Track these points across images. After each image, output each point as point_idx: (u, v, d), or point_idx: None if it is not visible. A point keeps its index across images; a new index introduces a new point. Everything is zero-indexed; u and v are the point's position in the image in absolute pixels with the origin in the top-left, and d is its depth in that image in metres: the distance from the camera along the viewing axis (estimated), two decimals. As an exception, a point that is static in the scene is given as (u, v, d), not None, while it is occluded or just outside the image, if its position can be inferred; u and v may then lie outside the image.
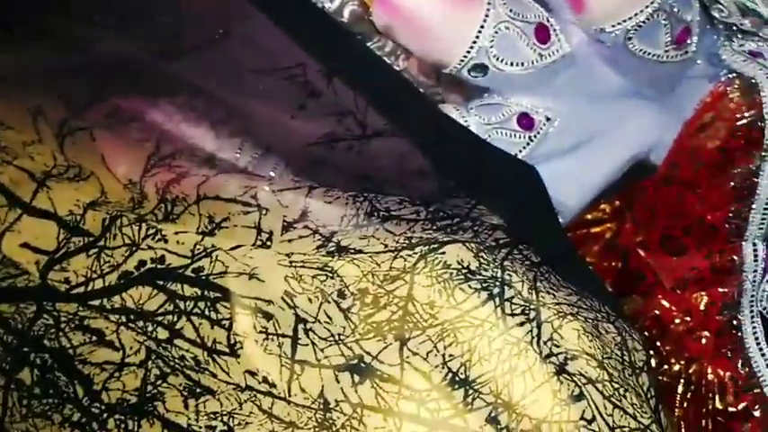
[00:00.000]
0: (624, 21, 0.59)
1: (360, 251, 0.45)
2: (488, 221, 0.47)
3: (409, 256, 0.44)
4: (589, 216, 0.77)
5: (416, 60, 0.70)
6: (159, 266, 0.47)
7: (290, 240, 0.47)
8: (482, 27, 0.62)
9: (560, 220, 0.66)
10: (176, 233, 0.48)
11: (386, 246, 0.45)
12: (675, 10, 0.60)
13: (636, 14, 0.59)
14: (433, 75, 0.71)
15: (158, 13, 0.54)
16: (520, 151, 0.66)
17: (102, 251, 0.49)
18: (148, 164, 0.52)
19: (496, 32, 0.62)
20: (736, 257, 0.67)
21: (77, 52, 0.57)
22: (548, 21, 0.64)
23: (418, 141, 0.51)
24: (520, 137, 0.66)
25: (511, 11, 0.63)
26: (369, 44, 0.71)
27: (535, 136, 0.66)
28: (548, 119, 0.66)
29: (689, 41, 0.63)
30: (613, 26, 0.60)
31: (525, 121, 0.66)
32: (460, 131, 0.54)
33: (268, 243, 0.47)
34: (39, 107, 0.54)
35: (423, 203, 0.48)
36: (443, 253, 0.43)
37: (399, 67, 0.74)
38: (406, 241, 0.45)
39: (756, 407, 0.65)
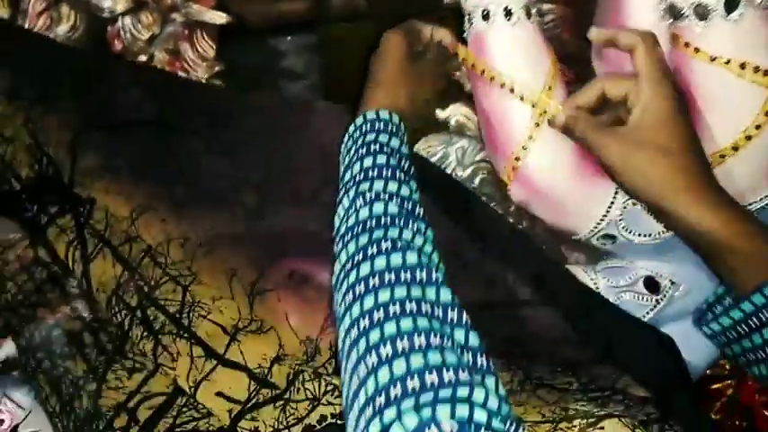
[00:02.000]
0: (751, 204, 0.64)
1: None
2: (636, 394, 0.51)
3: (569, 428, 0.48)
4: (709, 372, 0.78)
5: (542, 221, 0.77)
6: (339, 422, 0.53)
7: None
8: (612, 202, 0.68)
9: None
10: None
11: (543, 416, 0.50)
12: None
13: (761, 199, 0.64)
14: (558, 234, 0.78)
15: (327, 193, 0.64)
16: (647, 313, 0.71)
17: (287, 404, 0.56)
18: (325, 323, 0.60)
19: (625, 207, 0.68)
20: None
21: (257, 220, 0.67)
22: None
23: (565, 312, 0.57)
24: (647, 300, 0.71)
25: (639, 188, 0.69)
26: (494, 204, 0.79)
27: (662, 299, 0.71)
28: (672, 283, 0.71)
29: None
30: (756, 200, 0.65)
31: (651, 284, 0.71)
32: (604, 304, 0.59)
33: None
34: (234, 269, 0.63)
35: (573, 373, 0.52)
36: (602, 428, 0.47)
37: (523, 226, 0.81)
38: (563, 412, 0.49)
39: None
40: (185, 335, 0.61)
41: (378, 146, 0.54)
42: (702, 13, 0.57)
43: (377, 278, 0.44)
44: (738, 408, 0.77)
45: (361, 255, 0.47)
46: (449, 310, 0.44)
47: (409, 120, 0.63)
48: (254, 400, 0.57)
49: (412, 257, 0.45)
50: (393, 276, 0.44)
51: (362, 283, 0.45)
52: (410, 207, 0.51)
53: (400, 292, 0.43)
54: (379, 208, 0.50)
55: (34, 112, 0.71)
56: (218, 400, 0.57)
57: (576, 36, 0.76)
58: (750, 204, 0.65)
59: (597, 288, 0.71)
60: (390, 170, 0.53)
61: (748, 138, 0.60)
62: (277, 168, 0.67)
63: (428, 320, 0.42)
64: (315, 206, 0.66)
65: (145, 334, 0.62)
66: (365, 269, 0.46)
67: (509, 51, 0.66)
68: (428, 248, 0.49)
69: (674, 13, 0.59)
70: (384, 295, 0.43)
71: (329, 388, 0.55)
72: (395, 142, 0.56)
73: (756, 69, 0.58)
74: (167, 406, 0.58)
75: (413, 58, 0.65)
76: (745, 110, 0.59)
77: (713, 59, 0.58)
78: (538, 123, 0.66)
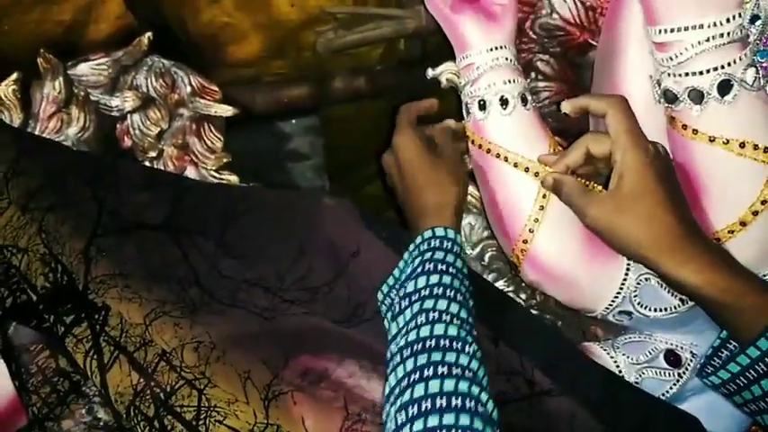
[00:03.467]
0: (764, 275, 0.64)
1: None
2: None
3: None
4: (744, 440, 0.76)
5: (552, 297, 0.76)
6: None
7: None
8: (624, 279, 0.68)
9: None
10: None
11: None
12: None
13: (774, 271, 0.64)
14: (572, 310, 0.77)
15: (339, 288, 0.64)
16: (671, 388, 0.69)
17: None
18: (343, 427, 0.59)
19: (638, 283, 0.68)
20: None
21: (269, 320, 0.67)
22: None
23: (585, 401, 0.56)
24: (669, 375, 0.70)
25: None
26: (502, 281, 0.79)
27: (684, 372, 0.69)
28: (693, 355, 0.70)
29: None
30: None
31: (673, 358, 0.70)
32: (625, 388, 0.58)
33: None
34: (248, 372, 0.63)
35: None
36: None
37: (536, 301, 0.80)
38: None
39: None
40: (203, 442, 0.61)
41: (445, 266, 0.57)
42: (697, 98, 0.58)
43: (429, 402, 0.45)
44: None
45: (417, 374, 0.48)
46: None
47: (462, 207, 0.65)
48: None
49: (463, 385, 0.47)
50: (444, 402, 0.45)
51: (416, 405, 0.46)
52: (468, 329, 0.52)
53: (448, 419, 0.44)
54: (439, 329, 0.52)
55: (47, 222, 0.73)
56: None
57: (574, 112, 0.77)
58: (765, 275, 0.64)
59: (617, 366, 0.70)
60: (454, 291, 0.55)
61: (755, 213, 0.60)
62: (288, 266, 0.68)
63: None
64: (328, 301, 0.66)
65: (163, 444, 0.61)
66: (419, 391, 0.47)
67: (509, 136, 0.67)
68: (481, 373, 0.50)
69: (670, 98, 0.60)
70: (433, 420, 0.44)
71: (350, 496, 0.54)
72: (459, 263, 0.59)
73: (756, 147, 0.58)
74: None
75: (433, 150, 0.67)
76: (749, 186, 0.59)
77: (712, 140, 0.59)
78: (542, 206, 0.67)
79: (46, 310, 0.68)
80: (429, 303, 0.54)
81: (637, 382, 0.69)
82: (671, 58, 0.58)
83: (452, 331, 0.52)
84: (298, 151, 1.23)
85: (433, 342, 0.51)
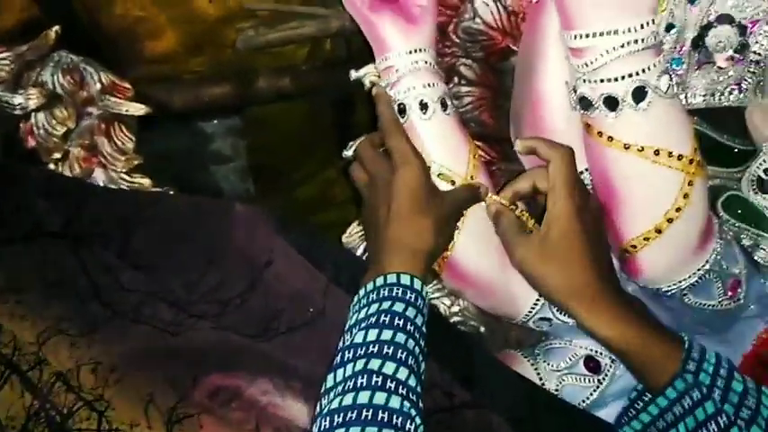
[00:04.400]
0: (678, 282, 0.65)
1: None
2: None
3: None
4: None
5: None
6: None
7: None
8: (545, 287, 0.67)
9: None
10: None
11: None
12: (724, 266, 0.66)
13: (689, 276, 0.64)
14: (495, 316, 0.76)
15: (252, 300, 0.60)
16: (591, 394, 0.69)
17: None
18: (252, 450, 0.56)
19: (558, 291, 0.67)
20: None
21: (176, 336, 0.63)
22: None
23: (505, 412, 0.54)
24: (590, 381, 0.70)
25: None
26: (430, 286, 0.78)
27: (603, 378, 0.70)
28: (613, 360, 0.70)
29: (739, 290, 0.68)
30: (669, 287, 0.65)
31: (592, 364, 0.70)
32: (545, 398, 0.58)
33: None
34: (150, 394, 0.59)
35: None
36: None
37: (460, 306, 0.79)
38: None
39: None
40: (102, 471, 0.56)
41: (402, 321, 0.51)
42: (612, 105, 0.58)
43: None
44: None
45: None
46: None
47: (435, 260, 0.61)
48: None
49: None
50: None
51: None
52: (414, 400, 0.47)
53: None
54: (380, 398, 0.46)
55: (-69, 231, 0.66)
56: None
57: (495, 116, 0.77)
58: (680, 282, 0.65)
59: (538, 373, 0.70)
60: (406, 354, 0.50)
61: (669, 220, 0.60)
62: (196, 277, 0.64)
63: None
64: (240, 314, 0.62)
65: (60, 471, 0.56)
66: None
67: (428, 142, 0.66)
68: None
69: (585, 105, 0.60)
70: None
71: None
72: (419, 320, 0.53)
73: (670, 154, 0.58)
74: None
75: (434, 192, 0.62)
76: (664, 193, 0.60)
77: (627, 147, 0.58)
78: (462, 214, 0.65)
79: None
80: (375, 363, 0.49)
81: (557, 389, 0.69)
82: (586, 65, 0.57)
83: (394, 403, 0.47)
84: (220, 153, 1.18)
85: (370, 413, 0.46)
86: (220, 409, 0.59)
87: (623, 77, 0.56)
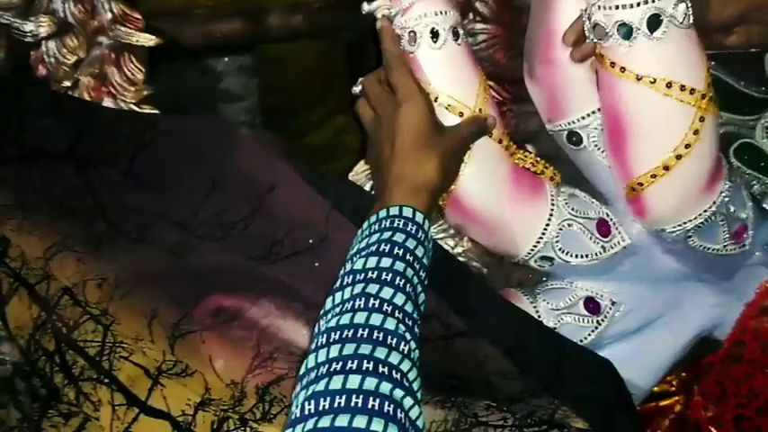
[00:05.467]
0: (684, 223, 0.64)
1: (452, 458, 0.47)
2: (575, 426, 0.50)
3: (503, 469, 0.46)
4: (656, 389, 0.78)
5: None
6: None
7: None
8: (547, 225, 0.67)
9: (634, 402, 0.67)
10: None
11: (477, 455, 0.48)
12: (731, 210, 0.65)
13: (695, 217, 0.64)
14: (497, 256, 0.76)
15: (256, 224, 0.61)
16: (589, 335, 0.70)
17: (212, 455, 0.52)
18: (252, 365, 0.57)
19: (561, 229, 0.67)
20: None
21: (180, 257, 0.63)
22: (607, 216, 0.69)
23: (499, 343, 0.55)
24: (588, 321, 0.70)
25: (573, 209, 0.69)
26: (435, 226, 0.78)
27: (602, 320, 0.70)
28: (613, 303, 0.70)
29: (745, 236, 0.67)
30: (674, 228, 0.64)
31: (592, 305, 0.70)
32: (539, 332, 0.58)
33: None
34: (154, 311, 0.60)
35: (508, 407, 0.50)
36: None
37: (464, 248, 0.79)
38: (497, 451, 0.47)
39: None
40: (106, 380, 0.58)
41: (402, 251, 0.51)
42: (626, 33, 0.57)
43: (343, 398, 0.41)
44: (687, 424, 0.77)
45: (339, 364, 0.43)
46: None
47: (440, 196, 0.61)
48: (176, 452, 0.53)
49: (385, 387, 0.42)
50: (360, 401, 0.41)
51: (328, 398, 0.41)
52: (409, 325, 0.47)
53: (359, 421, 0.40)
54: (376, 319, 0.46)
55: (-60, 146, 0.67)
56: (142, 452, 0.54)
57: (510, 56, 0.75)
58: (685, 223, 0.65)
59: (537, 312, 0.70)
60: (404, 281, 0.50)
61: (678, 157, 0.59)
62: (201, 199, 0.64)
63: None
64: (243, 238, 0.63)
65: (66, 381, 0.58)
66: (336, 383, 0.42)
67: (438, 72, 0.65)
68: (411, 376, 0.45)
69: (599, 33, 0.59)
70: (342, 419, 0.40)
71: (255, 435, 0.52)
72: (420, 251, 0.53)
73: (683, 88, 0.57)
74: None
75: (439, 126, 0.61)
76: (674, 129, 0.59)
77: (639, 79, 0.57)
78: (468, 148, 0.65)
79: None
80: (373, 288, 0.49)
81: (555, 328, 0.69)
82: (601, -10, 0.56)
83: (390, 324, 0.47)
84: (230, 91, 1.17)
85: (366, 332, 0.46)
86: (222, 327, 0.60)
87: (638, 4, 0.55)
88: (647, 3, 0.55)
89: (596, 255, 0.68)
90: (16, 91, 0.76)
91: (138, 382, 0.57)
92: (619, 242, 0.68)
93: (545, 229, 0.67)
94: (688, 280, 0.71)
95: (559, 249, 0.67)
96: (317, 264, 0.62)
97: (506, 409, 0.52)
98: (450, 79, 0.64)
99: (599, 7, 0.57)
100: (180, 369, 0.59)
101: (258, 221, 0.63)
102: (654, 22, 0.55)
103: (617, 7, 0.56)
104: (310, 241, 0.63)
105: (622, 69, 0.58)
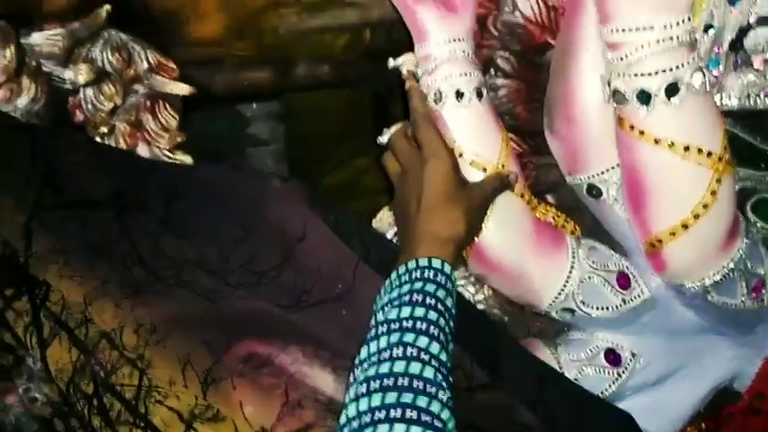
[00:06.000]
0: (702, 279, 0.65)
1: None
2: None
3: None
4: (682, 439, 0.78)
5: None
6: None
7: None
8: (568, 277, 0.69)
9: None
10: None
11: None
12: (749, 266, 0.66)
13: (713, 274, 0.65)
14: (518, 305, 0.78)
15: (286, 273, 0.63)
16: (610, 386, 0.71)
17: (241, 502, 0.54)
18: (281, 413, 0.59)
19: (581, 281, 0.69)
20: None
21: (213, 303, 0.66)
22: (627, 268, 0.71)
23: (521, 395, 0.56)
24: (609, 373, 0.71)
25: (593, 262, 0.70)
26: (456, 273, 0.79)
27: (623, 371, 0.71)
28: (633, 354, 0.71)
29: (763, 291, 0.69)
30: (692, 283, 0.66)
31: (612, 357, 0.71)
32: (561, 384, 0.59)
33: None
34: (188, 356, 0.62)
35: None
36: None
37: (485, 295, 0.81)
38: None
39: None
40: (141, 424, 0.60)
41: (434, 300, 0.53)
42: (645, 99, 0.59)
43: None
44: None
45: (382, 413, 0.45)
46: None
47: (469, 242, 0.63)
48: (209, 498, 0.55)
49: None
50: None
51: None
52: (444, 374, 0.49)
53: None
54: (415, 368, 0.48)
55: (-12, 194, 0.70)
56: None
57: (530, 110, 0.78)
58: (704, 279, 0.66)
59: (558, 362, 0.71)
60: (438, 330, 0.52)
61: (696, 216, 0.61)
62: (233, 247, 0.67)
63: None
64: (273, 286, 0.65)
65: (102, 424, 0.60)
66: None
67: (462, 130, 0.67)
68: (450, 425, 0.47)
69: (619, 99, 0.61)
70: None
71: (282, 483, 0.54)
72: (449, 302, 0.55)
73: (700, 151, 0.59)
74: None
75: (463, 183, 0.64)
76: (692, 190, 0.61)
77: (657, 141, 0.60)
78: (492, 202, 0.67)
79: (-15, 282, 0.66)
80: (409, 337, 0.51)
81: (576, 379, 0.70)
82: (621, 59, 0.58)
83: (428, 373, 0.48)
84: (257, 137, 1.21)
85: (406, 381, 0.48)
86: (252, 373, 0.62)
87: (657, 72, 0.57)
88: (665, 72, 0.58)
89: (617, 307, 0.69)
90: (57, 138, 0.80)
91: (171, 426, 0.59)
92: (639, 295, 0.70)
93: (566, 282, 0.68)
94: (707, 333, 0.72)
95: (580, 301, 0.69)
96: (343, 312, 0.64)
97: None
98: (474, 137, 0.67)
99: (619, 74, 0.60)
100: (212, 414, 0.61)
101: (288, 270, 0.66)
102: (671, 90, 0.58)
103: (636, 75, 0.59)
104: (337, 290, 0.65)
105: (641, 132, 0.60)
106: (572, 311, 0.70)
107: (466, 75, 0.66)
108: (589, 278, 0.68)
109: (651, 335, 0.70)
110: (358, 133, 1.20)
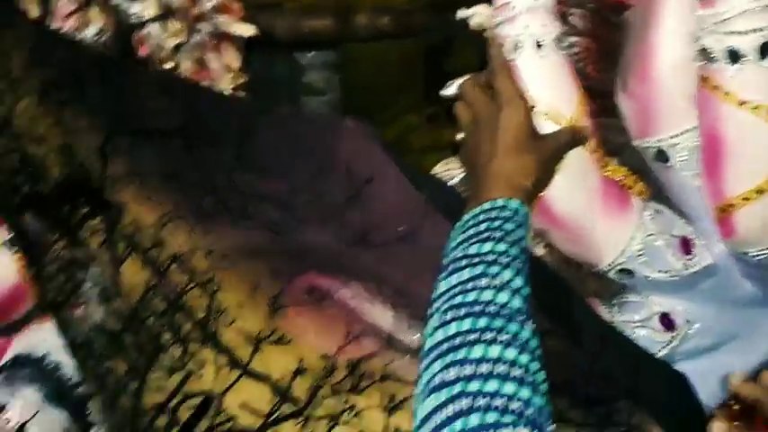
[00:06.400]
0: (768, 248, 0.65)
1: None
2: (651, 431, 0.52)
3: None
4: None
5: (559, 251, 0.77)
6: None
7: None
8: (631, 239, 0.69)
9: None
10: (367, 408, 0.55)
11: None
12: (818, 239, 0.66)
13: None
14: (574, 264, 0.78)
15: (353, 211, 0.64)
16: (662, 349, 0.71)
17: (307, 420, 0.56)
18: (343, 341, 0.60)
19: (644, 244, 0.69)
20: None
21: (280, 235, 0.67)
22: (691, 234, 0.71)
23: (583, 346, 0.57)
24: (662, 336, 0.71)
25: (658, 225, 0.70)
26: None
27: (676, 336, 0.71)
28: (687, 321, 0.72)
29: (827, 266, 0.68)
30: (758, 251, 0.66)
31: (667, 321, 0.71)
32: (621, 340, 0.60)
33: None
34: (256, 282, 0.64)
35: (589, 408, 0.53)
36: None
37: (540, 253, 0.81)
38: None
39: None
40: (210, 342, 0.62)
41: (513, 237, 0.52)
42: (734, 58, 0.58)
43: (489, 365, 0.44)
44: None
45: (476, 335, 0.46)
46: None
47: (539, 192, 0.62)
48: (275, 415, 0.57)
49: (524, 358, 0.45)
50: (503, 369, 0.44)
51: (474, 364, 0.44)
52: (527, 308, 0.50)
53: (509, 387, 0.42)
54: (503, 298, 0.48)
55: (65, 114, 0.72)
56: (243, 412, 0.57)
57: (599, 70, 0.77)
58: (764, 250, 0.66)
59: (612, 323, 0.72)
60: (521, 264, 0.52)
61: (773, 182, 0.61)
62: (303, 184, 0.68)
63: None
64: (339, 223, 0.66)
65: (172, 340, 0.62)
66: (477, 352, 0.45)
67: (538, 81, 0.67)
68: (538, 353, 0.48)
69: (707, 56, 0.61)
70: (491, 386, 0.43)
71: (347, 406, 0.55)
72: (524, 243, 0.55)
73: (785, 116, 0.59)
74: (206, 406, 0.59)
75: (538, 133, 0.62)
76: (771, 154, 0.60)
77: (742, 104, 0.59)
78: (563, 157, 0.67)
79: (60, 200, 0.68)
80: (494, 269, 0.50)
81: (629, 338, 0.71)
82: (715, 15, 0.58)
83: (517, 303, 0.48)
84: (312, 85, 1.22)
85: (495, 309, 0.48)
86: (314, 304, 0.64)
87: (752, 31, 0.57)
88: (759, 30, 0.57)
89: (677, 271, 0.69)
90: (127, 67, 0.81)
91: (239, 347, 0.61)
92: (700, 261, 0.70)
93: (629, 242, 0.69)
94: (762, 305, 0.72)
95: (641, 263, 0.69)
96: (409, 252, 0.65)
97: (587, 409, 0.54)
98: (549, 89, 0.66)
99: (710, 32, 0.59)
100: (277, 337, 0.63)
101: (354, 210, 0.67)
102: (765, 50, 0.57)
103: (728, 33, 0.58)
104: (403, 231, 0.66)
105: (726, 94, 0.60)
106: (630, 273, 0.70)
107: (545, 25, 0.66)
108: (653, 241, 0.68)
109: (707, 302, 0.71)
110: (410, 89, 1.20)
